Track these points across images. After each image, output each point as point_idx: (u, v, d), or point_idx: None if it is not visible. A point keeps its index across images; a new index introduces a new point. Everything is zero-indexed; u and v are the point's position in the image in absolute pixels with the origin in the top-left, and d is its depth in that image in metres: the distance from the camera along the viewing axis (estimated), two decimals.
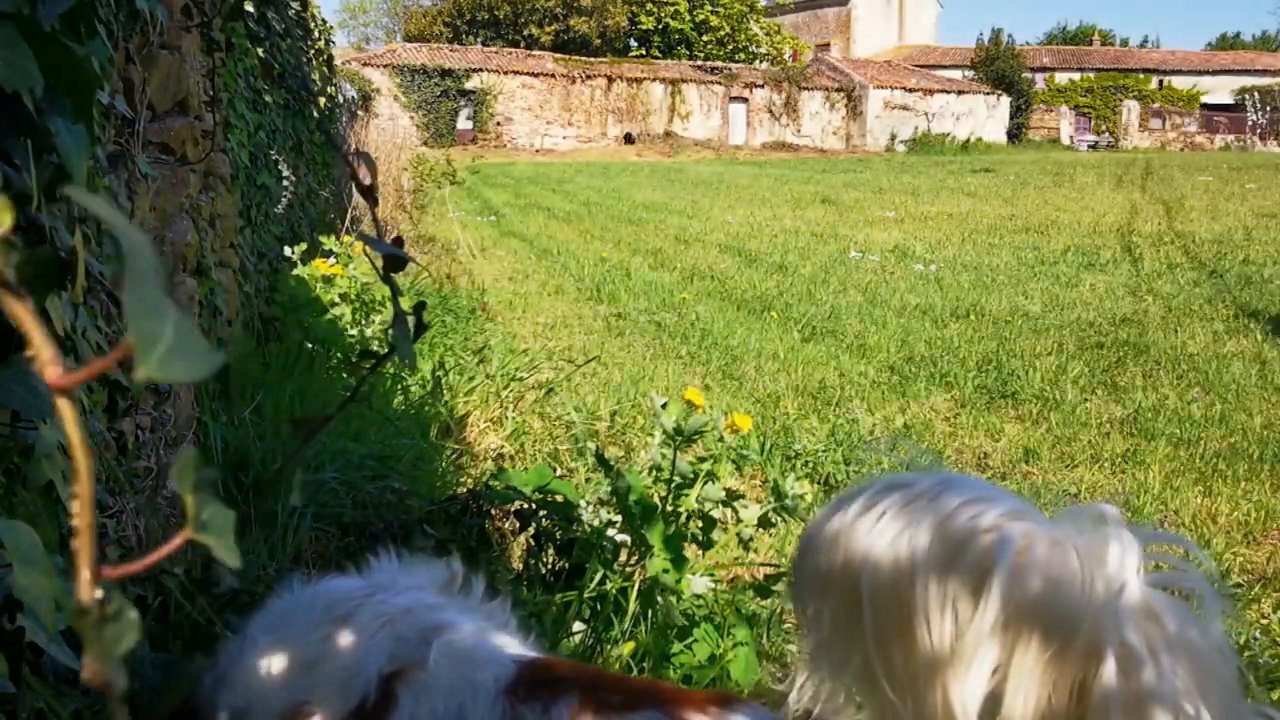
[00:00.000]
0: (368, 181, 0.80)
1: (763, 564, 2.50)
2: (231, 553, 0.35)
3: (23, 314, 0.32)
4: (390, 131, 15.96)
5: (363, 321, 4.17)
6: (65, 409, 0.32)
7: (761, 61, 46.23)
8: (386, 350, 0.75)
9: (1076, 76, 47.37)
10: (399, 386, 3.77)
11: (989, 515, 0.74)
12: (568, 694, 0.92)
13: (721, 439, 2.21)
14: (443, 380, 4.00)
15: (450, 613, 1.04)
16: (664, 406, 2.14)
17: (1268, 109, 44.48)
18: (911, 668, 0.73)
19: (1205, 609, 0.73)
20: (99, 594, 0.32)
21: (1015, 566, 0.71)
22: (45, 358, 0.32)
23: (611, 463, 2.26)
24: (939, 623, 0.72)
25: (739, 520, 2.19)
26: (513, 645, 1.03)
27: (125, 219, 0.33)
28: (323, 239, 4.89)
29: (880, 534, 0.76)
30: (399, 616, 1.00)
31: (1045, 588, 0.70)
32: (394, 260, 0.75)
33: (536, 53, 39.29)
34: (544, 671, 0.97)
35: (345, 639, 0.97)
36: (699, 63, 41.38)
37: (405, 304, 0.75)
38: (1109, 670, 0.68)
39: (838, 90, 40.74)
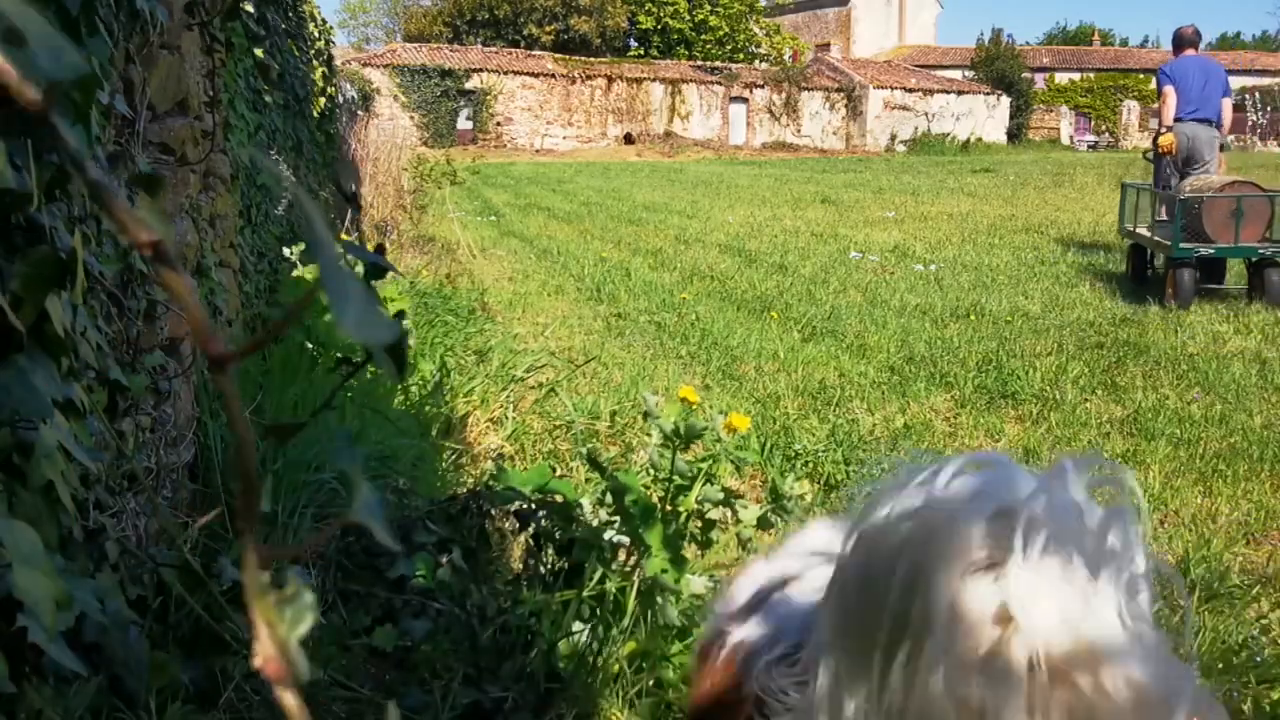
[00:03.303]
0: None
1: None
2: (388, 536, 0.34)
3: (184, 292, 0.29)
4: (390, 131, 15.94)
5: None
6: (227, 386, 0.31)
7: (761, 61, 46.20)
8: (363, 358, 0.76)
9: (1076, 76, 47.35)
10: (399, 387, 3.77)
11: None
12: None
13: (719, 439, 2.21)
14: (443, 380, 4.00)
15: None
16: (655, 407, 2.14)
17: (1268, 109, 44.46)
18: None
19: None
20: (265, 577, 0.29)
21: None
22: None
23: (605, 465, 2.26)
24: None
25: (738, 520, 2.20)
26: None
27: (294, 180, 0.30)
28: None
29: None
30: None
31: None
32: (375, 269, 0.75)
33: (536, 53, 39.28)
34: None
35: None
36: (699, 63, 41.36)
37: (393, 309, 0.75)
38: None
39: (838, 90, 40.73)
